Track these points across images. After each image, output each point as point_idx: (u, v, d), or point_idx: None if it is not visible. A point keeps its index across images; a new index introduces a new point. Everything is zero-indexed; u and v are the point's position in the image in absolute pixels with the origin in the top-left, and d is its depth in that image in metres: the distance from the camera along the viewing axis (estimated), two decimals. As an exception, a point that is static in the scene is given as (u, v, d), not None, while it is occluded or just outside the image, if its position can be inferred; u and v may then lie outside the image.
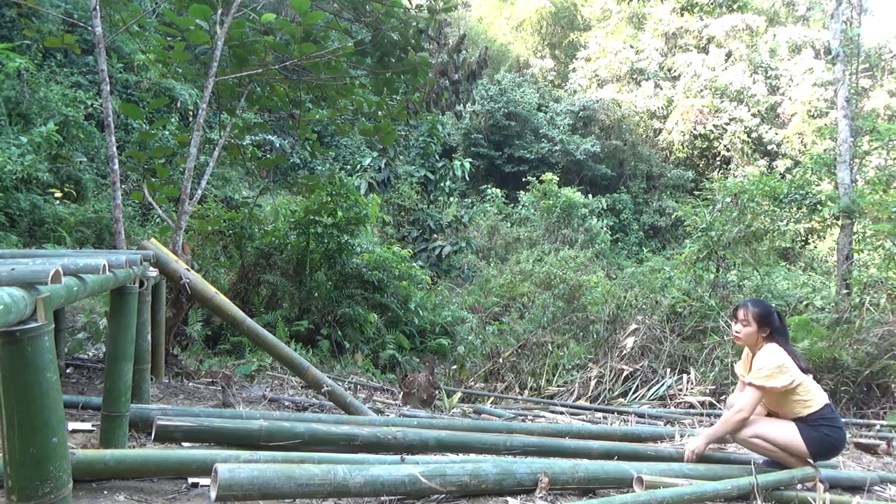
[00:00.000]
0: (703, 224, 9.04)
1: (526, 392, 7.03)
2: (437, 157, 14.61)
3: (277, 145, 15.37)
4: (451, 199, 16.23)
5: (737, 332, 3.23)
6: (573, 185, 19.72)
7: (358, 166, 14.10)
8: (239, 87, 5.18)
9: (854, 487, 3.25)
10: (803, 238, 15.33)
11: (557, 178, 18.44)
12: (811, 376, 3.19)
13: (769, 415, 3.29)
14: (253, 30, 4.94)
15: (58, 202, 9.75)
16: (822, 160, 10.78)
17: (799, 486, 3.03)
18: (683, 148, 23.94)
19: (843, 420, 5.65)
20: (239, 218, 6.89)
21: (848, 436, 4.96)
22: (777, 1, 27.98)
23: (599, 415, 5.70)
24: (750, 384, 3.08)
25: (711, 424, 5.32)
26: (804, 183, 10.28)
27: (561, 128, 22.67)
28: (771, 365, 3.07)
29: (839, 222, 9.35)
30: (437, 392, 5.27)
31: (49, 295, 1.50)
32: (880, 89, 23.42)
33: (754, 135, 23.16)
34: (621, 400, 6.55)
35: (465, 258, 14.33)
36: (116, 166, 4.10)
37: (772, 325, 3.17)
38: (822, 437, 3.10)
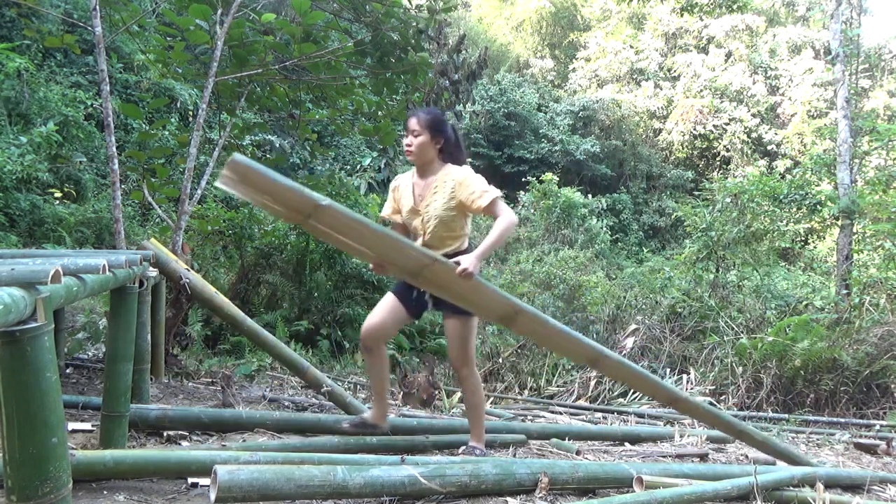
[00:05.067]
0: (702, 224, 9.04)
1: (526, 392, 7.03)
2: (436, 157, 14.58)
3: (277, 145, 15.34)
4: (451, 199, 16.20)
5: (408, 144, 2.88)
6: (573, 186, 19.69)
7: (358, 166, 14.10)
8: (239, 87, 5.18)
9: (854, 487, 3.25)
10: (803, 238, 15.32)
11: (557, 179, 18.41)
12: None
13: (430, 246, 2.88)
14: (253, 30, 4.94)
15: (58, 202, 9.74)
16: (822, 160, 10.78)
17: None
18: (683, 148, 23.94)
19: (842, 420, 5.68)
20: (239, 218, 6.89)
21: (848, 436, 4.98)
22: (777, 1, 27.98)
23: (599, 415, 5.71)
24: (494, 200, 2.79)
25: (712, 426, 5.33)
26: (804, 183, 10.27)
27: (561, 128, 22.66)
28: (480, 177, 2.86)
29: (839, 222, 9.36)
30: (436, 392, 5.27)
31: (49, 295, 1.50)
32: (880, 89, 23.42)
33: (754, 135, 23.16)
34: (621, 400, 6.55)
35: (464, 258, 14.30)
36: (116, 166, 4.10)
37: (445, 134, 2.91)
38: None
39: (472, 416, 3.09)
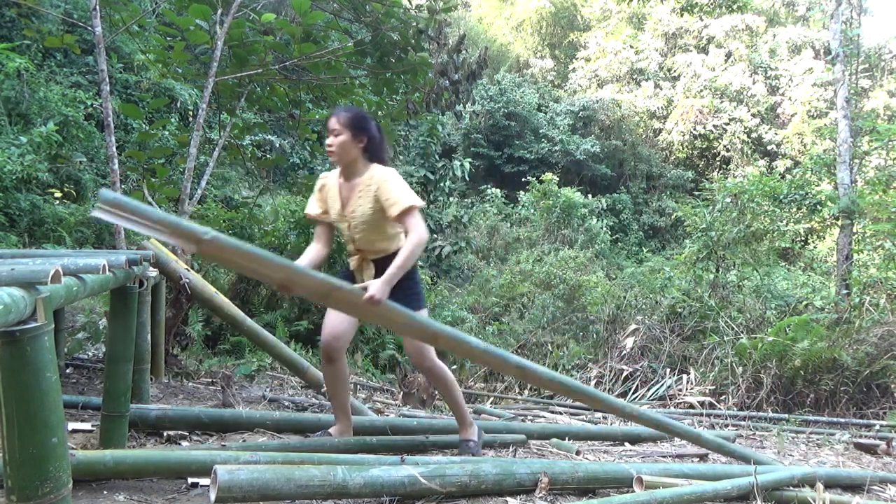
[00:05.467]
0: (702, 224, 9.05)
1: (526, 392, 7.03)
2: (436, 157, 14.59)
3: (277, 145, 15.35)
4: (451, 199, 16.22)
5: (328, 145, 2.75)
6: (573, 186, 19.71)
7: (358, 166, 14.07)
8: (239, 87, 5.18)
9: (854, 487, 3.25)
10: (803, 238, 15.32)
11: (557, 179, 18.43)
12: None
13: (360, 258, 2.86)
14: (253, 30, 4.94)
15: (57, 202, 9.74)
16: (822, 160, 10.78)
17: None
18: (683, 148, 23.94)
19: (842, 420, 5.68)
20: (239, 218, 6.88)
21: (848, 436, 4.98)
22: (777, 1, 27.98)
23: (599, 415, 5.70)
24: (409, 209, 2.64)
25: (712, 426, 5.33)
26: (804, 183, 10.28)
27: (561, 128, 22.66)
28: (405, 184, 2.72)
29: (839, 222, 9.36)
30: (436, 392, 5.27)
31: (49, 295, 1.50)
32: (880, 89, 23.42)
33: (754, 135, 23.16)
34: (621, 400, 6.55)
35: (465, 258, 14.33)
36: (116, 166, 4.10)
37: (368, 133, 2.78)
38: (420, 282, 2.92)
39: (452, 409, 3.02)
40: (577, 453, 3.40)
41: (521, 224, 18.07)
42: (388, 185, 2.71)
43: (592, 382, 6.86)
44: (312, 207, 2.93)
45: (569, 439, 3.72)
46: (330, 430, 3.00)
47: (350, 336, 2.96)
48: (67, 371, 4.21)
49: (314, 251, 2.88)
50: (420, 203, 2.71)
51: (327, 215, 2.89)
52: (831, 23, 9.91)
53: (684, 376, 6.71)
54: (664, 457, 3.69)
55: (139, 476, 2.28)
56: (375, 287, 2.46)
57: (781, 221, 9.97)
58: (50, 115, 10.33)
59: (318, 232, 2.94)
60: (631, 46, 26.51)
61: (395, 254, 2.68)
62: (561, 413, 5.65)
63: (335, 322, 2.87)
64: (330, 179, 2.90)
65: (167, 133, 10.30)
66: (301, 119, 5.82)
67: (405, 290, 2.73)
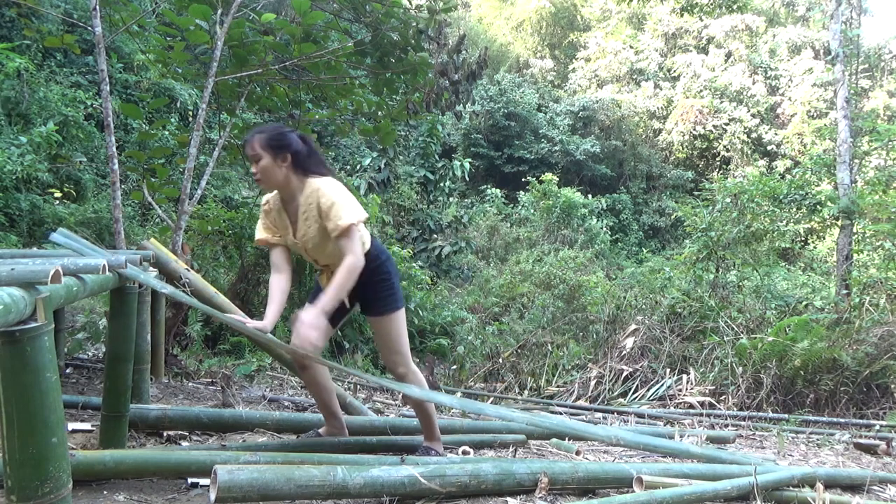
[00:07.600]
0: (702, 224, 9.05)
1: (526, 392, 7.03)
2: (436, 157, 14.61)
3: (277, 145, 15.33)
4: (451, 199, 16.24)
5: (254, 173, 2.57)
6: (573, 186, 19.72)
7: (358, 166, 14.09)
8: (239, 87, 5.17)
9: (854, 487, 3.25)
10: (803, 238, 15.33)
11: (557, 179, 18.45)
12: None
13: (328, 272, 2.70)
14: (253, 30, 4.94)
15: (57, 202, 9.75)
16: (822, 160, 10.78)
17: None
18: (683, 148, 23.95)
19: (842, 420, 5.68)
20: (239, 218, 6.88)
21: (848, 436, 4.97)
22: (777, 1, 27.99)
23: (599, 415, 5.71)
24: (347, 228, 2.47)
25: (712, 426, 5.33)
26: (804, 183, 10.28)
27: (561, 128, 22.67)
28: (345, 196, 2.53)
29: (839, 223, 9.36)
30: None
31: (49, 295, 1.51)
32: (880, 89, 23.43)
33: (754, 135, 23.17)
34: (621, 400, 6.56)
35: (464, 258, 14.34)
36: (116, 166, 4.10)
37: (290, 149, 2.55)
38: (395, 282, 2.75)
39: (420, 417, 2.93)
40: (577, 453, 3.40)
41: (520, 224, 18.07)
42: (323, 201, 2.53)
43: (592, 382, 6.86)
44: (262, 234, 2.77)
45: (569, 439, 3.72)
46: (319, 430, 2.99)
47: (323, 342, 2.68)
48: (67, 371, 4.21)
49: (279, 283, 2.72)
50: (360, 217, 2.53)
51: (281, 238, 2.75)
52: (831, 23, 9.91)
53: (684, 376, 6.70)
54: (664, 457, 3.68)
55: (139, 476, 2.29)
56: (303, 318, 2.39)
57: (781, 221, 9.97)
58: (50, 115, 10.34)
59: (274, 259, 2.76)
60: (631, 46, 26.53)
61: (366, 258, 2.57)
62: (561, 413, 5.65)
63: None
64: (273, 203, 2.72)
65: (167, 133, 10.31)
66: (301, 119, 5.82)
67: (378, 292, 2.68)
